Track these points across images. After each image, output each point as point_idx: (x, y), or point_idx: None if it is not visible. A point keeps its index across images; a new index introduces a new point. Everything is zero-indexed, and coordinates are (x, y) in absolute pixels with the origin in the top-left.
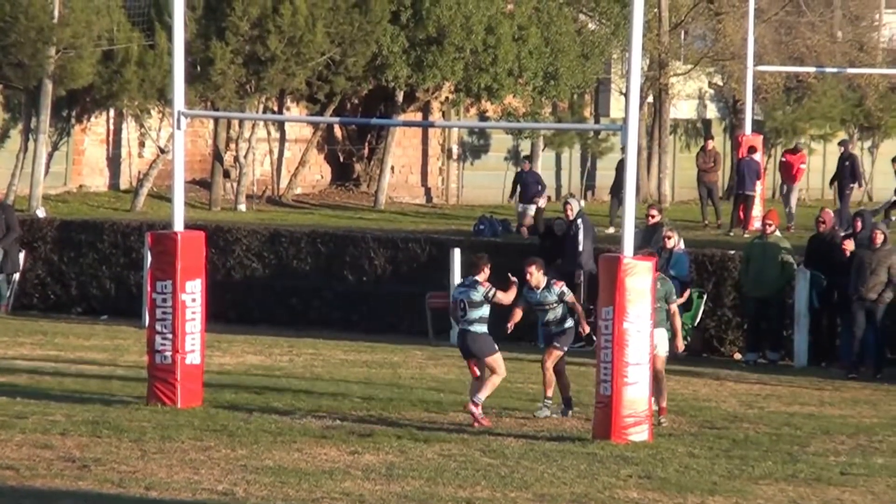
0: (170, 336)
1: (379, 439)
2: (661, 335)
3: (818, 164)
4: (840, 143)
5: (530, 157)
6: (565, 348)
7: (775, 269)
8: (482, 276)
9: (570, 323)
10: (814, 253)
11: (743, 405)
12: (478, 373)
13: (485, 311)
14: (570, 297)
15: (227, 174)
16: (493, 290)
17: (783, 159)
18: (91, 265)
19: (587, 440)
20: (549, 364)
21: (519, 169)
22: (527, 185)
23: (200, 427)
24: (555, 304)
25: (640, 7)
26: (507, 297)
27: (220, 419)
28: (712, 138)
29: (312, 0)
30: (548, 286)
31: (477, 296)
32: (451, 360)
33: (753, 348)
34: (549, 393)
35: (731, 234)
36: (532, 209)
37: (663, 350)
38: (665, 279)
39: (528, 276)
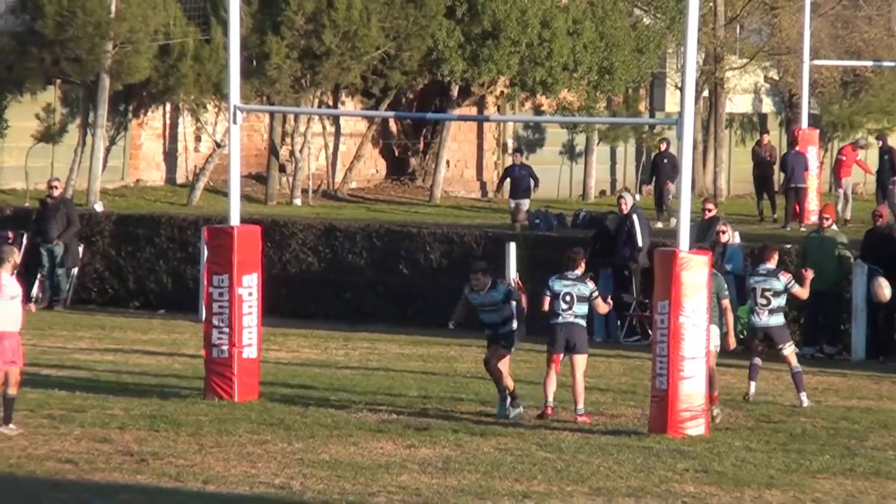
0: (226, 330)
1: (435, 433)
2: (714, 331)
3: (875, 157)
4: (878, 138)
5: (521, 150)
6: (511, 350)
7: (832, 263)
8: (580, 271)
9: (515, 324)
10: (871, 247)
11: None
12: (559, 369)
13: (586, 306)
14: (517, 296)
15: (282, 168)
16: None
17: (840, 156)
18: (148, 259)
19: (643, 434)
20: (495, 364)
21: (511, 162)
22: (518, 179)
23: (257, 421)
24: (501, 305)
25: (696, 1)
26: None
27: (277, 413)
28: (768, 132)
29: (376, 6)
30: (493, 286)
31: (586, 291)
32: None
33: (810, 342)
34: (511, 387)
35: (788, 228)
36: (525, 203)
37: (713, 345)
38: (717, 274)
39: (474, 283)
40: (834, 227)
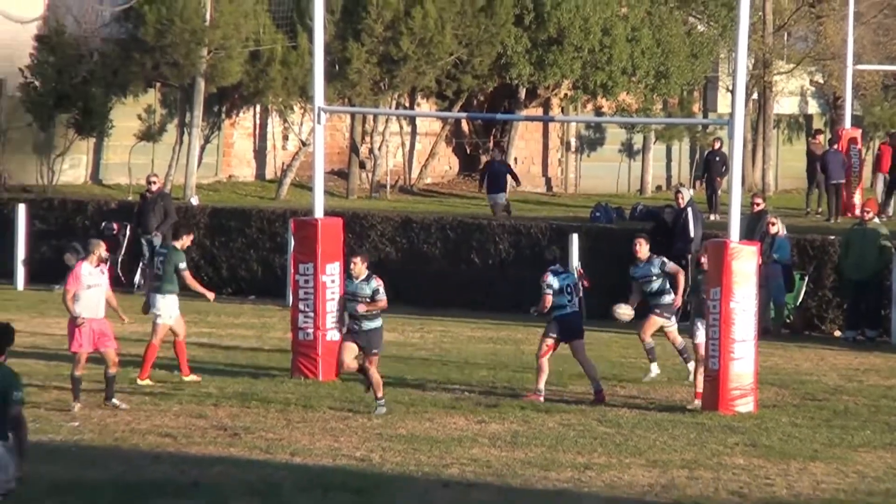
0: (311, 314)
1: (504, 410)
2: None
3: None
4: (888, 134)
5: (501, 147)
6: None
7: (874, 253)
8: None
9: (380, 322)
10: None
11: (843, 378)
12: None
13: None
14: (383, 297)
15: (362, 165)
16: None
17: (879, 151)
18: (240, 249)
19: (696, 411)
20: (361, 364)
21: (490, 158)
22: (497, 175)
23: (339, 398)
24: (367, 299)
25: (746, 10)
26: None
27: (358, 391)
28: (822, 132)
29: (441, 4)
30: (367, 279)
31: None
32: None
33: (853, 326)
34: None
35: (831, 221)
36: (502, 197)
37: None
38: (692, 275)
39: (352, 267)
40: (875, 219)
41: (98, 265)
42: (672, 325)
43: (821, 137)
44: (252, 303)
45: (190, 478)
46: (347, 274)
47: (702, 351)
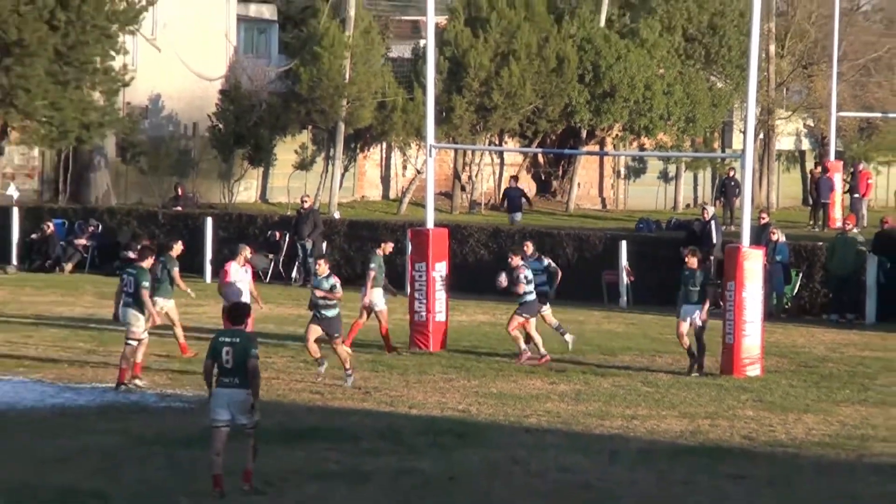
0: (424, 301)
1: (570, 374)
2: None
3: (883, 182)
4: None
5: (516, 177)
6: (338, 334)
7: (853, 255)
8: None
9: (337, 311)
10: (879, 244)
11: (828, 350)
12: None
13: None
14: (339, 291)
15: (463, 188)
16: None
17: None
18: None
19: (716, 375)
20: (326, 345)
21: (508, 185)
22: (512, 199)
23: (446, 365)
24: (327, 291)
25: (755, 71)
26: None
27: (460, 360)
28: (821, 165)
29: (523, 66)
30: (327, 277)
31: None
32: (621, 318)
33: (836, 311)
34: (348, 366)
35: (817, 230)
36: (518, 216)
37: (689, 321)
38: (708, 270)
39: (316, 267)
40: (854, 230)
41: (244, 265)
42: (548, 309)
43: (819, 168)
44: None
45: (334, 425)
46: (314, 273)
47: (684, 335)
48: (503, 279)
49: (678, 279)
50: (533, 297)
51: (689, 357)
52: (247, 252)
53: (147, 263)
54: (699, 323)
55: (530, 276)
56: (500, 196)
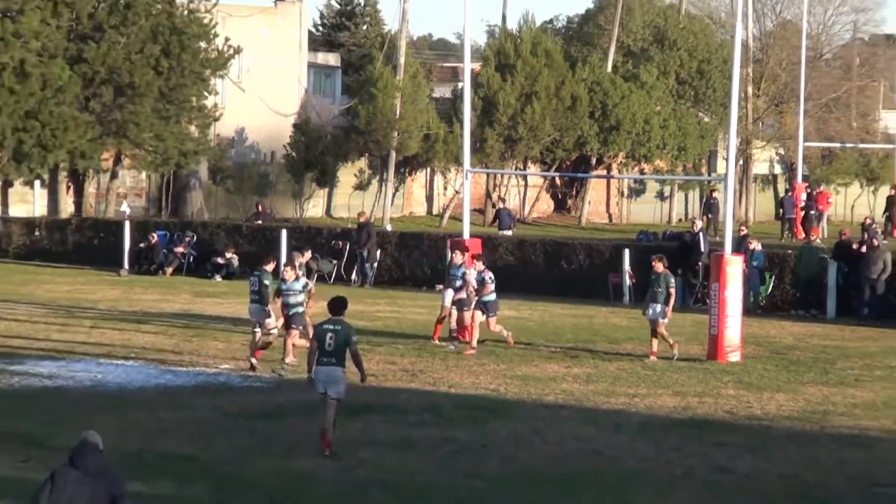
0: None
1: (582, 359)
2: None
3: (842, 200)
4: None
5: (504, 199)
6: (301, 327)
7: (816, 262)
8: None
9: (302, 309)
10: (838, 252)
11: (796, 340)
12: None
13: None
14: (311, 285)
15: (493, 205)
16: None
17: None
18: (417, 258)
19: (703, 360)
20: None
21: (498, 206)
22: (502, 218)
23: (480, 351)
24: (299, 292)
25: (735, 109)
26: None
27: (490, 348)
28: (791, 187)
29: (543, 104)
30: (297, 279)
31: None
32: (624, 313)
33: (802, 307)
34: (288, 359)
35: (783, 240)
36: (509, 233)
37: (661, 317)
38: (670, 275)
39: (283, 273)
40: (817, 241)
41: (296, 274)
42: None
43: (789, 190)
44: (424, 291)
45: (385, 402)
46: (282, 277)
47: (661, 328)
48: (473, 282)
49: (648, 281)
50: (495, 295)
51: (661, 341)
52: (301, 259)
53: (270, 267)
54: (663, 319)
55: (493, 277)
56: (493, 216)
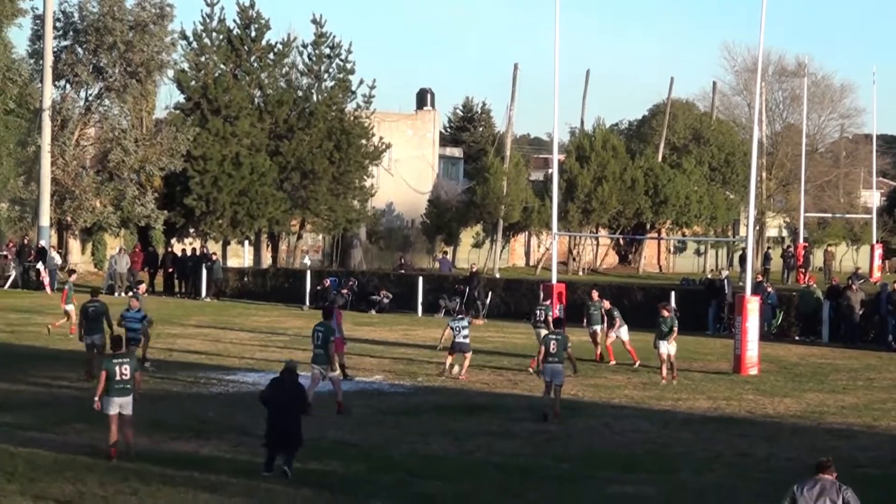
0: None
1: (639, 373)
2: (666, 344)
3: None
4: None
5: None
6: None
7: (813, 301)
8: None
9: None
10: (829, 294)
11: (799, 358)
12: None
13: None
14: (149, 318)
15: (573, 259)
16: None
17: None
18: (518, 298)
19: (730, 374)
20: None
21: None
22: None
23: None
24: (141, 320)
25: (753, 188)
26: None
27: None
28: (791, 246)
29: (610, 185)
30: (138, 310)
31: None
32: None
33: (804, 334)
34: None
35: (788, 283)
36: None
37: (664, 349)
38: (674, 318)
39: (130, 302)
40: (814, 286)
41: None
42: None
43: (792, 248)
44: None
45: (495, 403)
46: (128, 307)
47: (663, 356)
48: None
49: (657, 322)
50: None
51: (669, 369)
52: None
53: (330, 321)
54: (669, 350)
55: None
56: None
